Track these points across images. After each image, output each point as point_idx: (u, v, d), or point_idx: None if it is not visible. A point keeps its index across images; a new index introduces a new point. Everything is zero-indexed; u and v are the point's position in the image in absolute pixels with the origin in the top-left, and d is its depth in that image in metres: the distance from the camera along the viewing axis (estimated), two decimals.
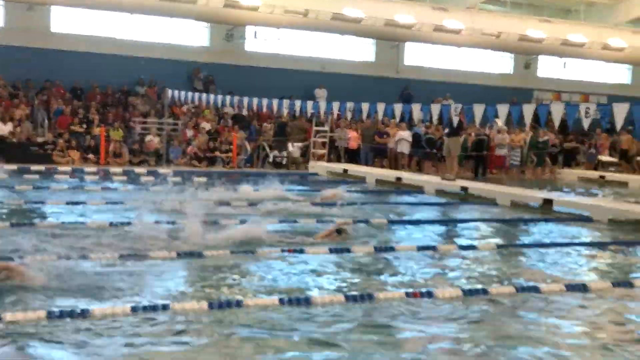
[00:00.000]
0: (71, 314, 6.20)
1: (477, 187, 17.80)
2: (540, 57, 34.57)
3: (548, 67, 35.58)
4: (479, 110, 17.56)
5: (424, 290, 7.40)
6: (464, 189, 17.56)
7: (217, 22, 27.14)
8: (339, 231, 10.14)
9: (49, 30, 26.30)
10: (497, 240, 11.08)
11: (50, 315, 6.14)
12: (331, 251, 9.23)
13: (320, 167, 22.71)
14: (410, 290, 7.39)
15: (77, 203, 13.08)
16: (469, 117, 18.17)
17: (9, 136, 21.71)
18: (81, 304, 6.51)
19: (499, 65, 34.87)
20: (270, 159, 23.94)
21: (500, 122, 20.70)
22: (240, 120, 26.32)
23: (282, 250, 9.13)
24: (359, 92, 26.47)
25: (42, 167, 19.58)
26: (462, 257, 9.42)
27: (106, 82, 26.67)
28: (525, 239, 11.52)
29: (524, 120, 17.10)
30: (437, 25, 27.70)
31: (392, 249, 9.74)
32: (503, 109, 17.24)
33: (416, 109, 19.76)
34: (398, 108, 20.09)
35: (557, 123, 17.04)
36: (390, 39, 29.91)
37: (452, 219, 13.86)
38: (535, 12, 31.94)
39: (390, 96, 27.23)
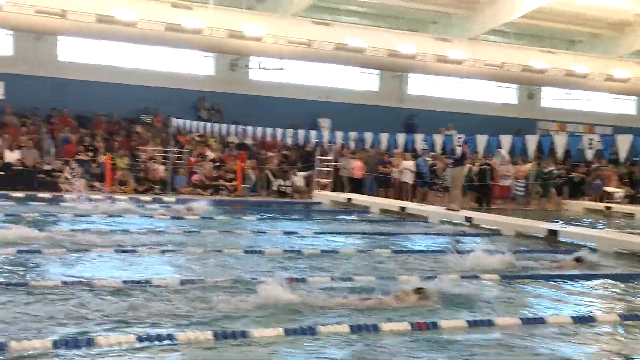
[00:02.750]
0: None
1: (481, 217, 17.85)
2: (544, 88, 34.74)
3: (552, 98, 35.74)
4: (482, 140, 17.67)
5: None
6: (469, 219, 17.61)
7: (222, 52, 27.37)
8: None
9: (56, 59, 26.56)
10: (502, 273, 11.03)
11: None
12: None
13: (324, 196, 22.78)
14: None
15: None
16: (472, 147, 18.28)
17: (17, 163, 21.83)
18: None
19: (502, 95, 35.05)
20: (275, 188, 24.01)
21: (504, 153, 20.81)
22: (245, 149, 26.44)
23: None
24: (363, 121, 26.59)
25: (48, 195, 19.70)
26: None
27: (112, 110, 26.88)
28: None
29: (528, 151, 17.19)
30: (439, 56, 27.87)
31: None
32: (506, 140, 17.36)
33: (419, 139, 19.89)
34: (402, 138, 20.23)
35: (560, 154, 17.09)
36: (393, 69, 30.12)
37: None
38: (538, 43, 32.15)
39: (393, 126, 27.39)
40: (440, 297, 8.33)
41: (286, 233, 14.58)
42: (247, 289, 8.54)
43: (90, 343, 6.33)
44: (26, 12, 21.75)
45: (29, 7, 21.68)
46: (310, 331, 6.97)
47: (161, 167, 23.68)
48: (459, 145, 18.30)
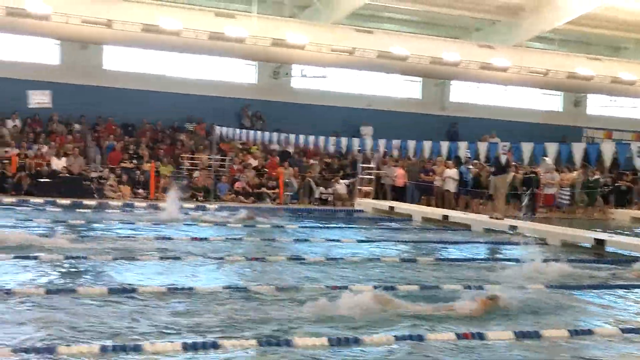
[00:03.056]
0: None
1: (526, 226, 17.60)
2: (590, 95, 34.21)
3: (598, 105, 35.18)
4: (527, 148, 17.46)
5: None
6: (513, 227, 17.38)
7: (265, 60, 27.52)
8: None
9: (101, 68, 26.97)
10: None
11: None
12: None
13: (366, 204, 22.71)
14: None
15: None
16: (517, 155, 18.05)
17: (63, 171, 22.19)
18: None
19: (547, 102, 34.61)
20: (317, 195, 24.02)
21: (548, 160, 20.52)
22: (287, 157, 26.52)
23: None
24: (405, 129, 26.46)
25: (94, 202, 19.98)
26: None
27: (156, 118, 27.19)
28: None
29: (574, 159, 16.93)
30: (483, 63, 27.65)
31: None
32: (552, 147, 17.12)
33: (463, 147, 19.72)
34: (444, 145, 20.08)
35: (607, 162, 16.81)
36: (436, 76, 29.97)
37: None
38: (583, 49, 31.70)
39: (436, 133, 27.22)
40: (516, 306, 8.53)
41: (328, 240, 14.59)
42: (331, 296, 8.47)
43: (136, 349, 6.39)
44: (73, 22, 22.15)
45: (75, 17, 22.08)
46: (418, 338, 7.18)
47: (204, 175, 23.86)
48: (504, 153, 18.09)
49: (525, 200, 22.50)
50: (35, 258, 10.69)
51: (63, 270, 10.09)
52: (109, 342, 6.54)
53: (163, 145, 26.05)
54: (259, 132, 24.66)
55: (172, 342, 6.63)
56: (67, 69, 26.08)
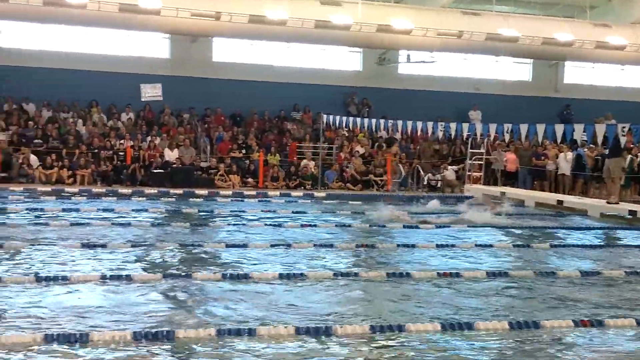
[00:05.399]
0: None
1: None
2: None
3: None
4: None
5: None
6: (633, 212, 16.57)
7: (371, 47, 27.30)
8: None
9: (210, 60, 27.47)
10: None
11: None
12: None
13: (476, 190, 22.21)
14: None
15: None
16: (637, 136, 17.16)
17: (175, 161, 22.76)
18: None
19: None
20: (425, 182, 23.69)
21: None
22: (394, 144, 26.25)
23: None
24: (515, 112, 25.68)
25: (205, 191, 20.40)
26: None
27: (263, 108, 27.49)
28: None
29: None
30: (599, 42, 26.47)
31: None
32: None
33: (579, 129, 18.91)
34: (559, 129, 19.31)
35: None
36: (548, 58, 28.93)
37: None
38: None
39: (547, 116, 26.26)
40: None
41: (439, 227, 14.33)
42: None
43: (239, 333, 6.47)
44: (182, 15, 22.63)
45: (185, 11, 22.53)
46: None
47: (311, 163, 23.97)
48: (623, 135, 17.21)
49: None
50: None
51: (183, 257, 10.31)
52: (225, 326, 6.61)
53: (271, 134, 26.33)
54: (365, 120, 24.52)
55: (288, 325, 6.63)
56: (177, 62, 26.72)
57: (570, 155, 22.60)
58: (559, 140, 20.54)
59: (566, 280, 9.35)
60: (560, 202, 19.02)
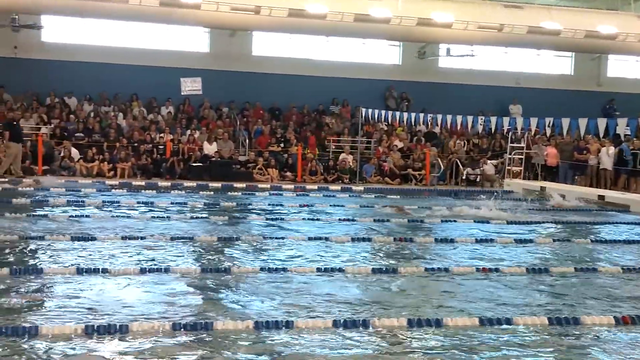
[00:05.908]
0: None
1: None
2: None
3: None
4: None
5: None
6: None
7: (411, 40, 27.18)
8: None
9: (250, 54, 27.59)
10: None
11: None
12: None
13: (516, 185, 21.96)
14: None
15: None
16: None
17: (214, 155, 22.90)
18: None
19: None
20: (464, 176, 23.51)
21: None
22: (433, 138, 26.10)
23: None
24: (556, 107, 25.38)
25: (243, 185, 20.48)
26: None
27: (302, 102, 27.52)
28: None
29: None
30: None
31: None
32: None
33: (622, 124, 18.59)
34: (602, 123, 19.00)
35: None
36: (591, 51, 28.50)
37: None
38: None
39: (589, 111, 25.81)
40: None
41: (477, 222, 14.18)
42: None
43: (277, 326, 6.49)
44: (222, 9, 22.74)
45: (225, 5, 22.65)
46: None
47: (350, 157, 23.93)
48: None
49: None
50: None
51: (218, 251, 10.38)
52: (262, 319, 6.63)
53: (309, 128, 26.35)
54: (404, 113, 24.40)
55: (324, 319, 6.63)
56: (216, 56, 26.89)
57: (612, 149, 22.23)
58: (601, 135, 20.17)
59: (607, 276, 9.21)
60: (601, 197, 18.72)
